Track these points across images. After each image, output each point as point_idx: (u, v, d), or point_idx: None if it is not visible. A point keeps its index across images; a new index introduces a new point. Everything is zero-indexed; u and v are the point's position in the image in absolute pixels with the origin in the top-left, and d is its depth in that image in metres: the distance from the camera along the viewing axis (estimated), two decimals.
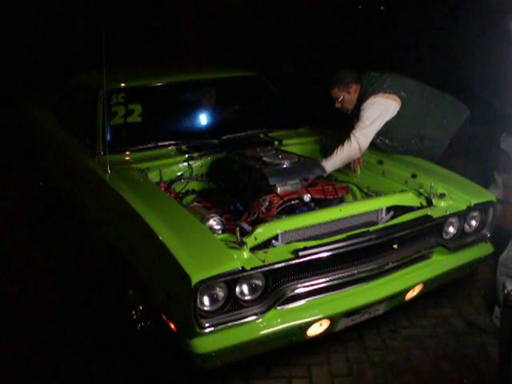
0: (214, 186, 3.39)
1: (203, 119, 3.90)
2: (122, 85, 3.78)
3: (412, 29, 7.37)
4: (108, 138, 3.36)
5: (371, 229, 2.58)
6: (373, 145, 3.47)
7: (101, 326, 3.15)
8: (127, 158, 3.36)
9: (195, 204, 2.99)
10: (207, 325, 2.15)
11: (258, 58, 7.08)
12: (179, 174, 3.32)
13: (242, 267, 2.17)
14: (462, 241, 2.92)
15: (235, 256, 2.23)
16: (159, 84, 3.87)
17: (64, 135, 4.12)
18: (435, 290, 3.11)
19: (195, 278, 2.07)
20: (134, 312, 2.97)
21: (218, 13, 8.44)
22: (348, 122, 3.61)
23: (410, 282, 2.68)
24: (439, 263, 2.84)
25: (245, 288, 2.26)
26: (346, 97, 3.47)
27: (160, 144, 3.50)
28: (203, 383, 2.66)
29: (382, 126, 3.36)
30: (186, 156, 3.37)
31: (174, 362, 2.72)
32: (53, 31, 8.05)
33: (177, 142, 3.52)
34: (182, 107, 3.87)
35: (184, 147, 3.46)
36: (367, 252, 2.53)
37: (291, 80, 6.81)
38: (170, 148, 3.50)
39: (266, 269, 2.24)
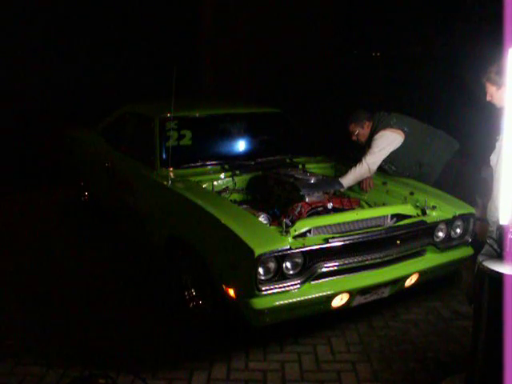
0: (250, 198, 4.19)
1: (240, 145, 4.75)
2: (173, 115, 4.59)
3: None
4: (164, 156, 4.20)
5: (380, 228, 3.40)
6: (380, 169, 4.32)
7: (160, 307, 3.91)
8: (181, 173, 4.15)
9: (244, 206, 3.78)
10: (263, 288, 2.92)
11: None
12: (224, 186, 4.13)
13: (290, 247, 2.96)
14: (449, 243, 3.72)
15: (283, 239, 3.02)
16: (204, 115, 4.72)
17: (117, 155, 4.93)
18: (428, 285, 3.90)
19: (257, 251, 2.84)
20: (186, 293, 3.71)
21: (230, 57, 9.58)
22: (356, 152, 4.49)
23: (408, 270, 3.46)
24: (431, 259, 3.62)
25: (289, 264, 3.03)
26: (360, 131, 4.38)
27: (206, 163, 4.32)
28: (248, 346, 3.38)
29: (388, 154, 4.22)
30: (231, 172, 4.17)
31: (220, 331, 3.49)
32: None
33: (220, 162, 4.33)
34: (223, 134, 4.71)
35: (226, 166, 4.27)
36: (377, 245, 3.32)
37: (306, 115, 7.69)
38: (214, 166, 4.30)
39: (305, 249, 3.02)
